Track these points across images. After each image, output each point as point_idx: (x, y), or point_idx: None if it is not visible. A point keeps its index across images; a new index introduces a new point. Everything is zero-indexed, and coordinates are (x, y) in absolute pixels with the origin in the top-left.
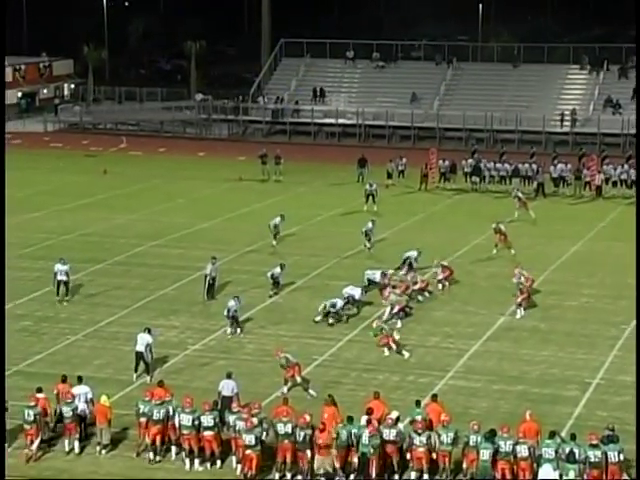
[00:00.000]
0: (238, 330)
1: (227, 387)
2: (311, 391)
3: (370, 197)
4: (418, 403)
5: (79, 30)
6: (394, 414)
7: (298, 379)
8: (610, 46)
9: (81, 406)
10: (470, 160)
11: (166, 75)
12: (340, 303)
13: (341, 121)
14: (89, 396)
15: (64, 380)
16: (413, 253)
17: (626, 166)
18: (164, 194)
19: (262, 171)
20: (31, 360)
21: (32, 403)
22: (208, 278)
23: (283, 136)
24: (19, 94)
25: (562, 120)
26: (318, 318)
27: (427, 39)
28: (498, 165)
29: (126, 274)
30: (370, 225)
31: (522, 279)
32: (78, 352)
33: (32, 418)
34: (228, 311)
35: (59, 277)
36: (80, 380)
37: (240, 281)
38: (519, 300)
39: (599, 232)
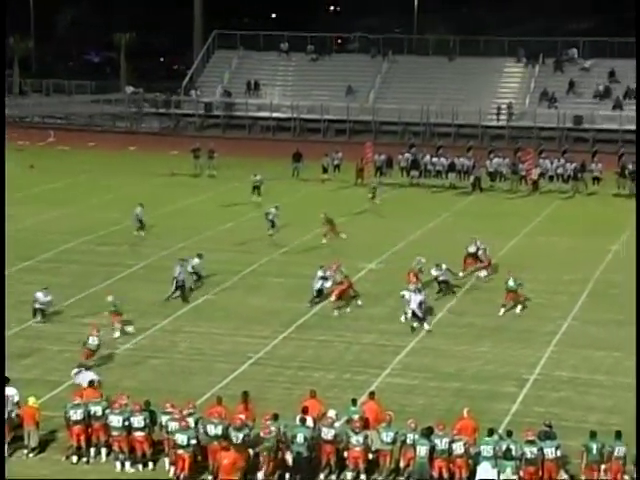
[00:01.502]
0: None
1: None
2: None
3: (255, 189)
4: (354, 401)
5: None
6: (332, 412)
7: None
8: (546, 39)
9: (9, 408)
10: (407, 154)
11: (95, 67)
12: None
13: (275, 115)
14: (16, 398)
15: None
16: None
17: (562, 160)
18: (94, 189)
19: (195, 166)
20: None
21: None
22: (176, 281)
23: (216, 130)
24: None
25: (498, 114)
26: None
27: (362, 31)
28: (434, 159)
29: (55, 271)
30: (274, 210)
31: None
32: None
33: None
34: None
35: None
36: (7, 381)
37: (170, 278)
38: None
39: (535, 227)
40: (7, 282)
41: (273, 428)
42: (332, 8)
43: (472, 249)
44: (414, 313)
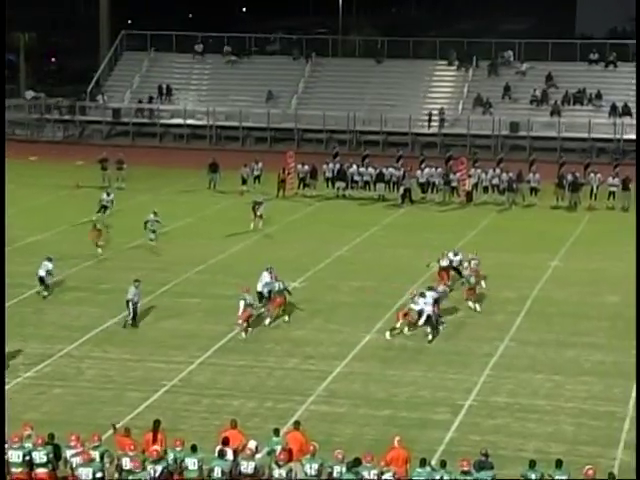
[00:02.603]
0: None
1: None
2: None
3: (103, 209)
4: (277, 431)
5: None
6: (252, 444)
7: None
8: (479, 41)
9: None
10: (331, 164)
11: None
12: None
13: (190, 122)
14: None
15: None
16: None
17: (498, 170)
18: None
19: (103, 177)
20: None
21: None
22: (131, 304)
23: (126, 138)
24: None
25: (430, 120)
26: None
27: (283, 32)
28: (362, 169)
29: None
30: (152, 216)
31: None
32: None
33: None
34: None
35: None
36: None
37: (79, 299)
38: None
39: (470, 241)
40: None
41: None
42: (250, 7)
43: (444, 262)
44: (428, 318)
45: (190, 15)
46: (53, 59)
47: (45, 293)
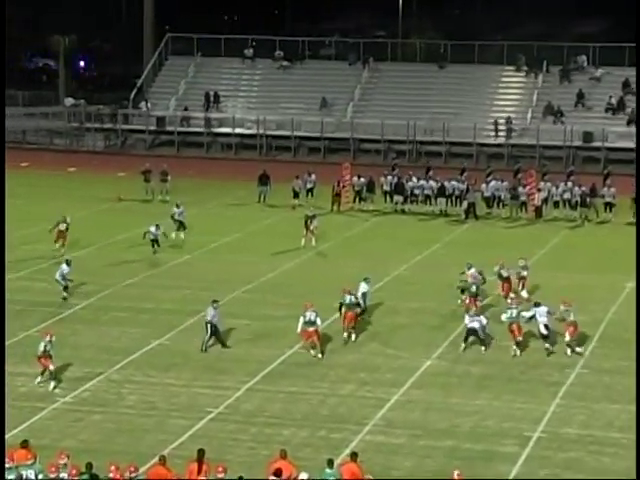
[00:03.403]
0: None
1: None
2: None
3: (179, 224)
4: (331, 463)
5: None
6: (303, 475)
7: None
8: (550, 45)
9: None
10: (390, 177)
11: (29, 75)
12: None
13: (239, 131)
14: None
15: None
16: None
17: (569, 183)
18: (26, 217)
19: (145, 189)
20: None
21: None
22: (210, 326)
23: (170, 148)
24: None
25: (496, 130)
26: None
27: (339, 35)
28: (422, 182)
29: None
30: (153, 229)
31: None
32: None
33: None
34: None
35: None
36: None
37: (119, 319)
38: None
39: (539, 261)
40: None
41: None
42: (302, 8)
43: (505, 273)
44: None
45: (236, 17)
46: (94, 64)
47: (65, 294)
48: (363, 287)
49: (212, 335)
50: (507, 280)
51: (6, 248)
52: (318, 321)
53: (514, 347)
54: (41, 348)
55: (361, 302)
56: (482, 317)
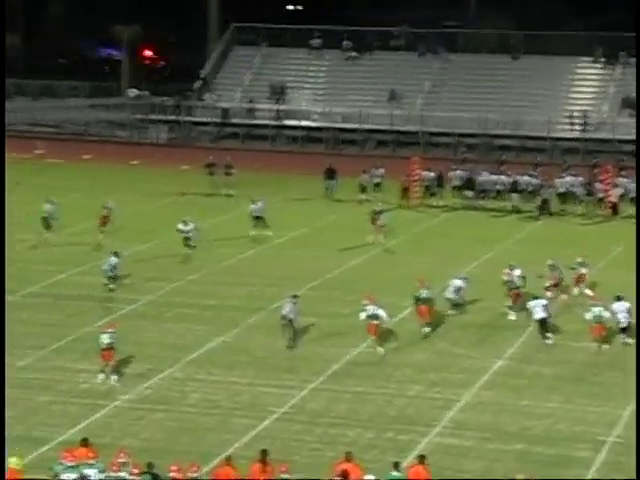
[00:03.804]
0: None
1: None
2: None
3: (257, 220)
4: (397, 465)
5: None
6: (369, 478)
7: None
8: (629, 35)
9: None
10: (459, 171)
11: (92, 66)
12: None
13: (305, 123)
14: None
15: None
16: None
17: None
18: (88, 211)
19: (209, 183)
20: None
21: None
22: (286, 320)
23: (235, 141)
24: None
25: (571, 123)
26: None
27: (409, 25)
28: (494, 177)
29: (43, 308)
30: (181, 226)
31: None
32: None
33: None
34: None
35: None
36: None
37: (183, 316)
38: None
39: (615, 259)
40: None
41: None
42: None
43: (585, 270)
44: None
45: (300, 7)
46: (158, 55)
47: (112, 286)
48: (457, 283)
49: (292, 331)
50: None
51: (66, 244)
52: (381, 314)
53: (597, 344)
54: (105, 341)
55: (452, 297)
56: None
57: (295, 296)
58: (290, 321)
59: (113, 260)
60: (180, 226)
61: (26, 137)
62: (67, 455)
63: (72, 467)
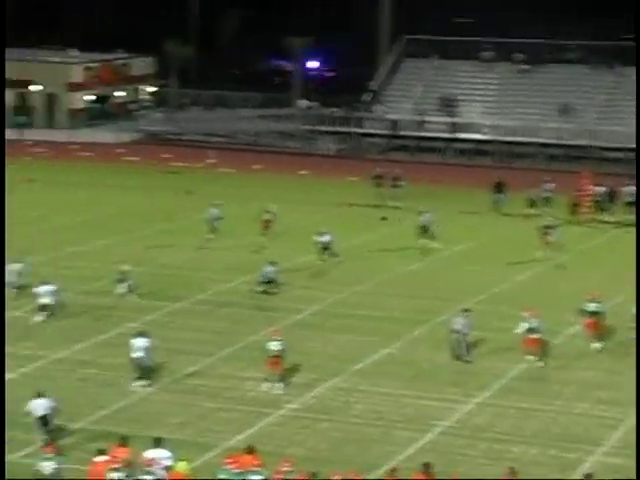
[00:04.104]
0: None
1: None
2: None
3: (424, 229)
4: None
5: (162, 23)
6: None
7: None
8: None
9: (160, 474)
10: (632, 187)
11: (264, 77)
12: None
13: (474, 136)
14: (167, 463)
15: (123, 443)
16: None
17: None
18: (258, 220)
19: (377, 195)
20: (96, 416)
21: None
22: (458, 336)
23: (404, 153)
24: (90, 97)
25: None
26: None
27: (583, 38)
28: None
29: (210, 315)
30: (318, 238)
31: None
32: (152, 408)
33: None
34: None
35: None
36: (158, 442)
37: (347, 327)
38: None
39: None
40: (149, 326)
41: None
42: (542, 8)
43: None
44: None
45: (472, 20)
46: (329, 66)
47: (276, 290)
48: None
49: (459, 346)
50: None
51: (237, 250)
52: (541, 328)
53: None
54: (274, 348)
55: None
56: None
57: (467, 310)
58: (463, 335)
59: (269, 269)
60: (316, 237)
61: (199, 147)
62: (231, 462)
63: (237, 474)
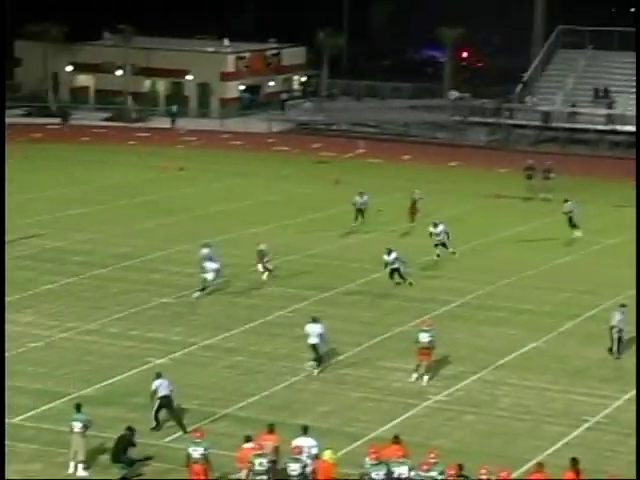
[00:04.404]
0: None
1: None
2: None
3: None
4: None
5: (314, 12)
6: None
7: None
8: None
9: (304, 462)
10: None
11: (415, 68)
12: None
13: (628, 128)
14: (313, 451)
15: (271, 430)
16: None
17: None
18: (405, 210)
19: (527, 187)
20: (243, 403)
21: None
22: (615, 331)
23: (555, 145)
24: (241, 87)
25: None
26: None
27: None
28: None
29: (358, 305)
30: (432, 229)
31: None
32: (298, 396)
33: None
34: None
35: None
36: (305, 431)
37: (496, 320)
38: None
39: None
40: (297, 315)
41: None
42: None
43: None
44: None
45: (633, 8)
46: (481, 57)
47: (400, 281)
48: None
49: (618, 341)
50: None
51: (384, 243)
52: None
53: None
54: (424, 340)
55: None
56: None
57: (623, 305)
58: (620, 331)
59: (389, 257)
60: (431, 229)
61: (348, 137)
62: (374, 451)
63: (380, 464)
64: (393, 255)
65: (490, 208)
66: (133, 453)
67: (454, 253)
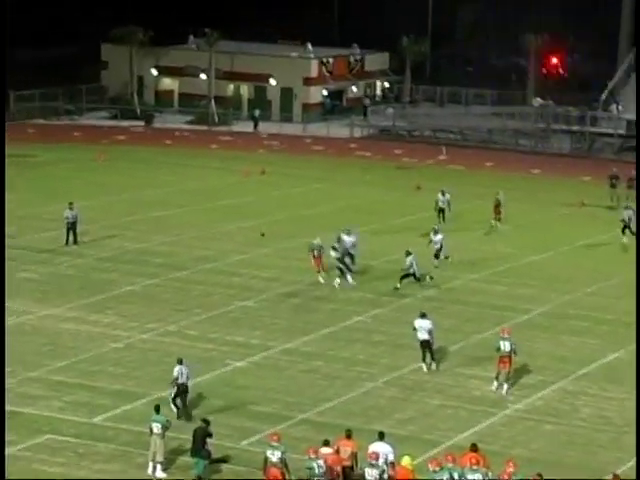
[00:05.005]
0: None
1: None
2: None
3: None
4: None
5: (398, 18)
6: None
7: None
8: None
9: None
10: None
11: (498, 74)
12: None
13: None
14: (390, 457)
15: (349, 436)
16: None
17: None
18: (485, 217)
19: (610, 196)
20: (321, 408)
21: (313, 455)
22: None
23: None
24: (324, 92)
25: None
26: None
27: None
28: None
29: (437, 311)
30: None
31: None
32: (376, 402)
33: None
34: None
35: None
36: (381, 437)
37: (577, 329)
38: None
39: None
40: (375, 321)
41: None
42: None
43: None
44: None
45: None
46: (566, 64)
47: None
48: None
49: None
50: None
51: (463, 250)
52: None
53: None
54: (506, 348)
55: None
56: None
57: None
58: None
59: (409, 259)
60: (431, 235)
61: (430, 143)
62: (450, 458)
63: (442, 470)
64: (410, 258)
65: (573, 216)
66: (211, 446)
67: (447, 258)
